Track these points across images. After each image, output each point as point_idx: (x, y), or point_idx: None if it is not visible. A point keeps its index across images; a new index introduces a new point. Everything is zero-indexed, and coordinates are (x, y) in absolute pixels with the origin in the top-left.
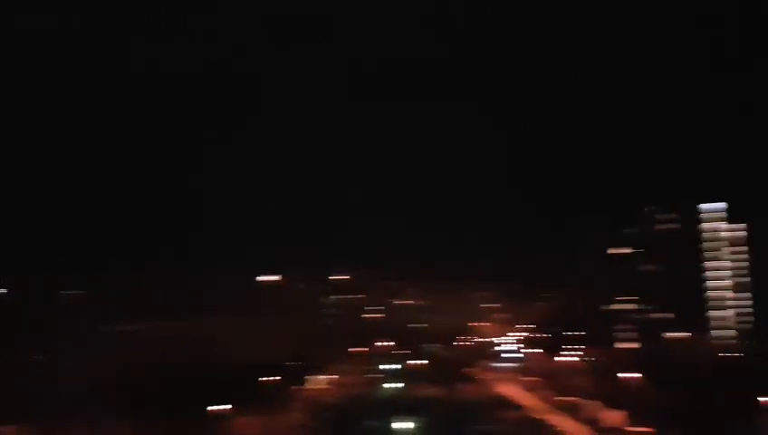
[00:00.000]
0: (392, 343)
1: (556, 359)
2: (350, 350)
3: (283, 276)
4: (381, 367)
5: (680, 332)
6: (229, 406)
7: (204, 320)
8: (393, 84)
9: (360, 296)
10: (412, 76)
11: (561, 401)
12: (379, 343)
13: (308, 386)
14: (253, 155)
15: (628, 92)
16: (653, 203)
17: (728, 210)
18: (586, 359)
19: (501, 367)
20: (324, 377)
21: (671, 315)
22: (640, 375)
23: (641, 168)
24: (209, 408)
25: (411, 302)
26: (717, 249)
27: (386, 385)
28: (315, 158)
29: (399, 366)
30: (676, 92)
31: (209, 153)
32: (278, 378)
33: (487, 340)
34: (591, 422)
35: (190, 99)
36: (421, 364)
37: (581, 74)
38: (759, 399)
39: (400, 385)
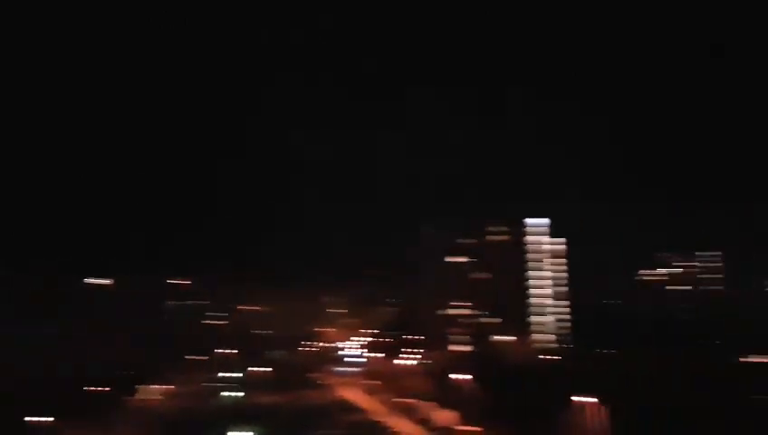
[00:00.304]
0: (235, 351)
1: (396, 362)
2: (187, 358)
3: (114, 279)
4: (221, 375)
5: (506, 335)
6: (51, 418)
7: (24, 326)
8: None
9: (202, 302)
10: None
11: (398, 402)
12: (221, 351)
13: (140, 397)
14: None
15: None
16: (487, 216)
17: (551, 226)
18: (423, 362)
19: (344, 371)
20: (158, 387)
21: (499, 320)
22: (470, 377)
23: (480, 184)
24: (28, 419)
25: (257, 307)
26: (540, 260)
27: (225, 394)
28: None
29: (241, 374)
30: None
31: None
32: (107, 388)
33: (332, 345)
34: (426, 423)
35: None
36: (264, 371)
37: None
38: (572, 397)
39: (240, 394)
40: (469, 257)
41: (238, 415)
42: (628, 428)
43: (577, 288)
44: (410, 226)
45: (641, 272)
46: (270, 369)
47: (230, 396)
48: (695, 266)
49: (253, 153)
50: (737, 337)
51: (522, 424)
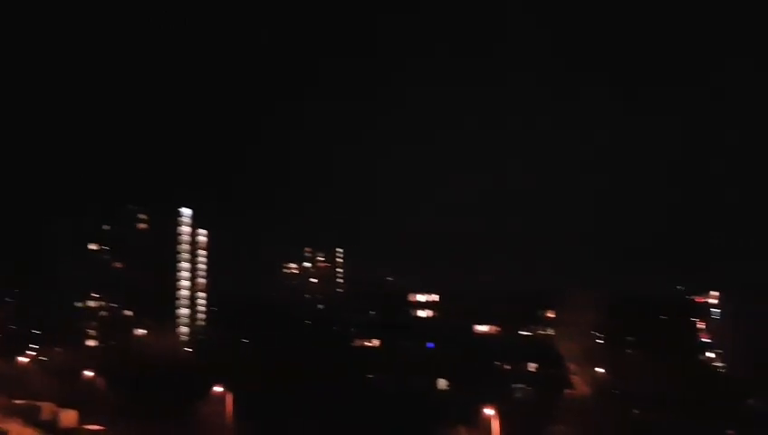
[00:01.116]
0: None
1: (19, 359)
2: None
3: None
4: None
5: (147, 328)
6: None
7: None
8: None
9: None
10: None
11: (15, 404)
12: None
13: None
14: None
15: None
16: (133, 202)
17: (194, 217)
18: (49, 358)
19: None
20: None
21: (140, 312)
22: (101, 373)
23: (124, 168)
24: None
25: None
26: (183, 252)
27: None
28: None
29: None
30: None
31: None
32: None
33: None
34: (46, 424)
35: None
36: None
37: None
38: (209, 389)
39: None
40: (113, 246)
41: None
42: (252, 414)
43: (220, 280)
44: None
45: (287, 265)
46: None
47: None
48: (335, 261)
49: None
50: (356, 325)
51: (152, 420)
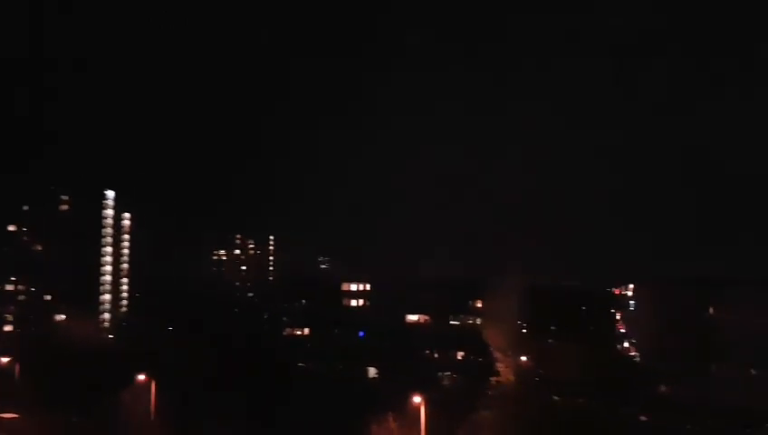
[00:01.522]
0: None
1: None
2: None
3: None
4: None
5: (68, 314)
6: None
7: None
8: None
9: None
10: None
11: None
12: None
13: None
14: None
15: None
16: (57, 183)
17: (118, 199)
18: None
19: None
20: None
21: (61, 297)
22: (13, 359)
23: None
24: None
25: None
26: (106, 236)
27: None
28: None
29: None
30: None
31: None
32: None
33: None
34: None
35: None
36: None
37: None
38: (134, 375)
39: None
40: (29, 228)
41: None
42: (177, 402)
43: (144, 265)
44: None
45: (216, 251)
46: None
47: None
48: (266, 249)
49: None
50: (287, 313)
51: (70, 408)
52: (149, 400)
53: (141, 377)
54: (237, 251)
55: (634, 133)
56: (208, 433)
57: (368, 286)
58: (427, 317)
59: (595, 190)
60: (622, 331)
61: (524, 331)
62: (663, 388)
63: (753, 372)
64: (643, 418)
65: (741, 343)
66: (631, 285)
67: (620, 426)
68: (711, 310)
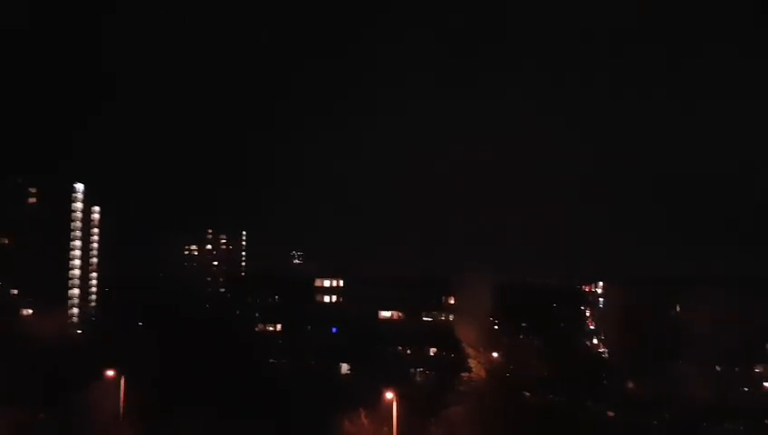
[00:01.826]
0: None
1: None
2: None
3: None
4: None
5: (35, 309)
6: None
7: None
8: None
9: None
10: None
11: None
12: None
13: None
14: None
15: None
16: (24, 176)
17: (88, 192)
18: None
19: None
20: None
21: (28, 291)
22: None
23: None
24: None
25: None
26: (75, 229)
27: None
28: None
29: None
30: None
31: None
32: None
33: None
34: None
35: None
36: None
37: None
38: (103, 371)
39: None
40: None
41: None
42: (146, 398)
43: (114, 260)
44: None
45: (188, 246)
46: None
47: None
48: (239, 244)
49: None
50: (259, 309)
51: (36, 404)
52: (118, 396)
53: (110, 373)
54: (209, 246)
55: (603, 131)
56: (179, 430)
57: (341, 282)
58: (399, 313)
59: (568, 188)
60: (592, 328)
61: (496, 327)
62: (630, 384)
63: (717, 368)
64: (610, 414)
65: (706, 340)
66: (601, 283)
67: (587, 422)
68: (677, 308)
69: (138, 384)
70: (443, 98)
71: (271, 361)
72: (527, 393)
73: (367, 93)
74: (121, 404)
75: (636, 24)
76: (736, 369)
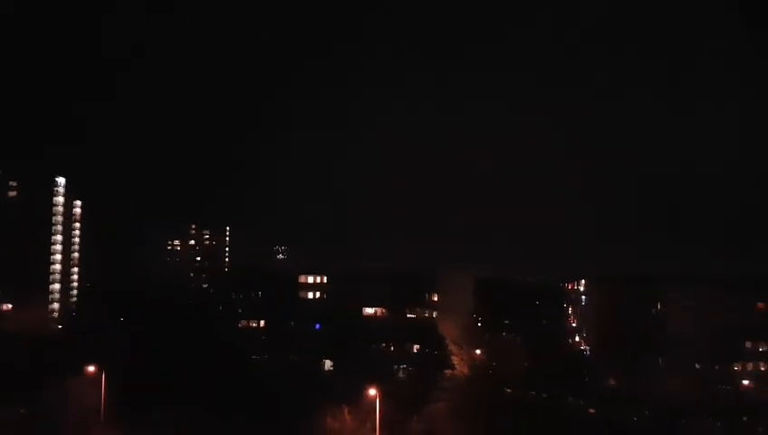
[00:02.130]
0: None
1: None
2: None
3: None
4: None
5: (15, 303)
6: None
7: None
8: None
9: None
10: None
11: None
12: None
13: None
14: None
15: None
16: (5, 169)
17: (69, 186)
18: None
19: None
20: None
21: (8, 286)
22: None
23: None
24: None
25: None
26: (57, 223)
27: None
28: None
29: None
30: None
31: None
32: None
33: None
34: None
35: None
36: None
37: None
38: (84, 366)
39: None
40: None
41: None
42: (127, 394)
43: (96, 254)
44: None
45: (170, 242)
46: None
47: None
48: (223, 240)
49: None
50: (243, 305)
51: (14, 400)
52: (99, 392)
53: (91, 368)
54: (192, 241)
55: (586, 130)
56: (160, 426)
57: (324, 279)
58: (383, 310)
59: (552, 186)
60: (574, 325)
61: (479, 324)
62: (612, 381)
63: (697, 366)
64: (592, 410)
65: (686, 338)
66: (583, 281)
67: (569, 419)
68: (659, 306)
69: (119, 379)
70: (428, 97)
71: (254, 357)
72: (509, 390)
73: (352, 91)
74: (102, 400)
75: (629, 24)
76: (716, 367)
